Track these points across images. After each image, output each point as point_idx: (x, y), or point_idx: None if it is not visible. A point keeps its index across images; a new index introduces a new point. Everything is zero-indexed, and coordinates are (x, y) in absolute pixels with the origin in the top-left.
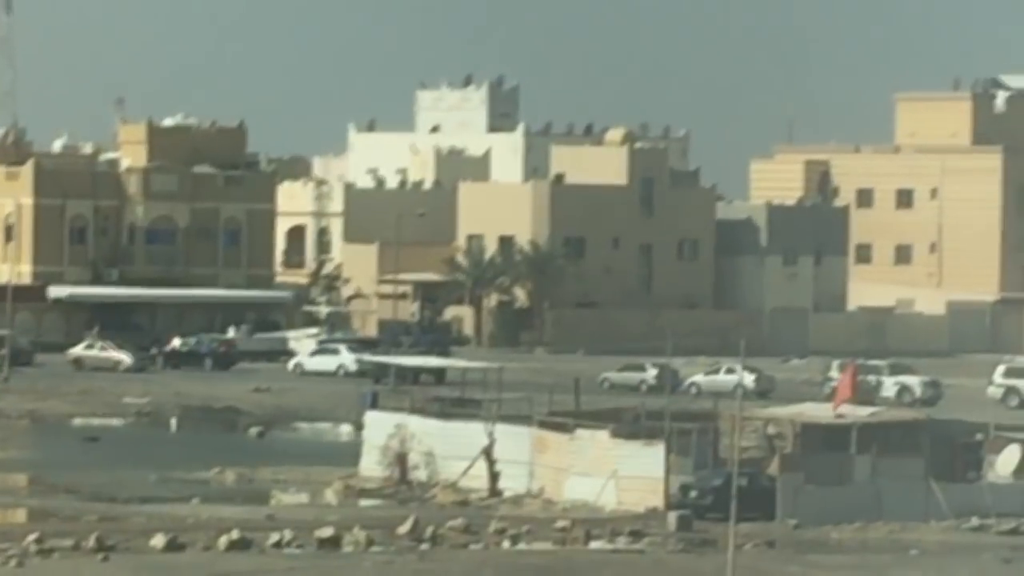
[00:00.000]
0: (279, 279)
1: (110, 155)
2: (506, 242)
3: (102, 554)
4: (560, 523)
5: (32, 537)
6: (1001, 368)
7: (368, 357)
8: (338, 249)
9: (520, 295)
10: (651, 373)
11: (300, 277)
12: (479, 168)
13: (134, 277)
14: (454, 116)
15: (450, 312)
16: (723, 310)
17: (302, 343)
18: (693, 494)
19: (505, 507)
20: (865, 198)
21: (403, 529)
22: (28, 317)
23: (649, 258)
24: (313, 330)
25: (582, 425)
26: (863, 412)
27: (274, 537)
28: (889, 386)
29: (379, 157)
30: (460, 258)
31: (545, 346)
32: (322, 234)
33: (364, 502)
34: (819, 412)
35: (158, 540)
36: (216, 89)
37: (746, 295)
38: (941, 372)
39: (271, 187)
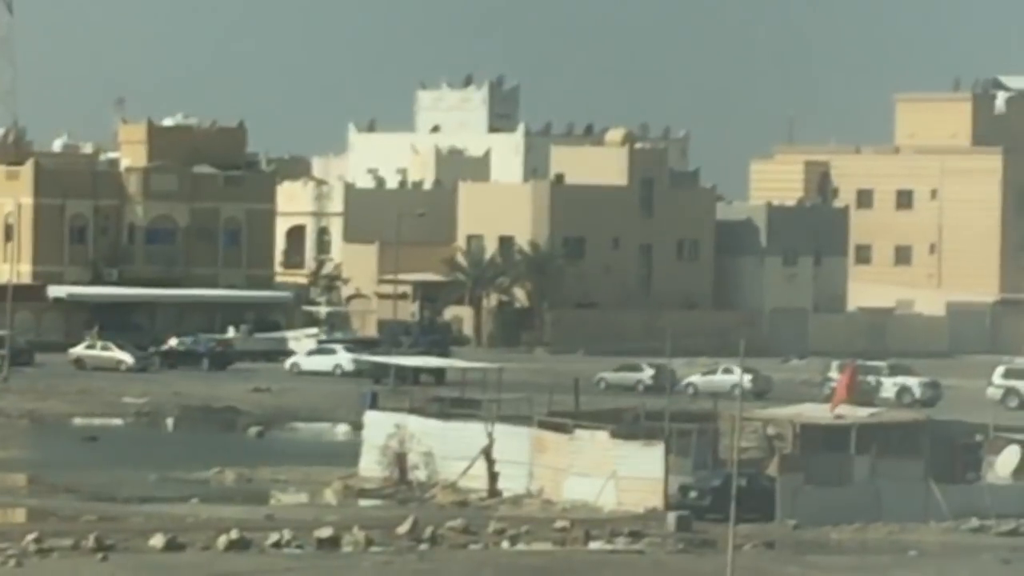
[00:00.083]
0: (279, 279)
1: (110, 155)
2: (506, 242)
3: (101, 554)
4: (559, 523)
5: (31, 537)
6: (1000, 369)
7: (365, 357)
8: (338, 249)
9: (520, 295)
10: (647, 373)
11: (300, 277)
12: (479, 168)
13: (134, 277)
14: (454, 116)
15: (450, 312)
16: (723, 310)
17: (302, 343)
18: (692, 495)
19: (504, 507)
20: (865, 199)
21: (402, 529)
22: (28, 317)
23: (649, 258)
24: (313, 330)
25: (581, 425)
26: (862, 413)
27: (273, 537)
28: (889, 387)
29: (379, 157)
30: (460, 258)
31: (545, 346)
32: (322, 234)
33: (363, 502)
34: (818, 413)
35: (157, 540)
36: (216, 89)
37: (746, 295)
38: (940, 373)
39: (271, 187)
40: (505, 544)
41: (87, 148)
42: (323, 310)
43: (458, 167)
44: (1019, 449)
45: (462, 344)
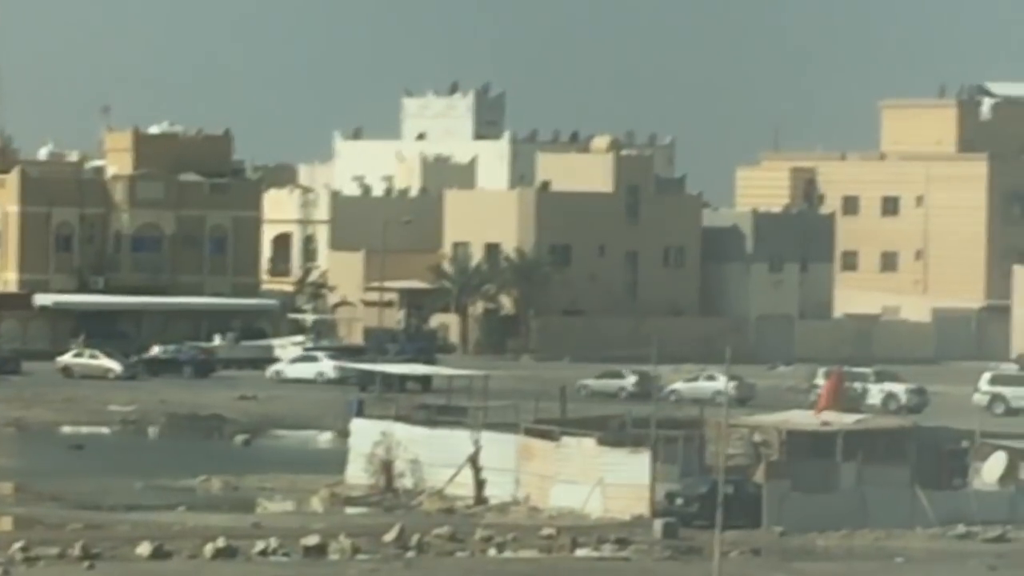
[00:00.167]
0: (265, 287)
1: (96, 163)
2: (492, 249)
3: (88, 562)
4: (546, 531)
5: (17, 545)
6: (987, 375)
7: (350, 364)
8: (324, 257)
9: (506, 303)
10: (629, 380)
11: (286, 285)
12: (465, 176)
13: (120, 285)
14: (440, 124)
15: (436, 320)
16: (709, 317)
17: (287, 351)
18: (679, 502)
19: (491, 515)
20: (851, 205)
21: (389, 537)
22: (14, 325)
23: (635, 265)
24: (299, 338)
25: (568, 433)
26: (849, 420)
27: (260, 545)
28: (875, 393)
29: (365, 165)
30: (446, 266)
31: (531, 354)
32: (308, 242)
33: (350, 510)
34: (805, 419)
35: (144, 548)
36: (202, 97)
37: (732, 302)
38: (927, 379)
39: (257, 195)
40: (492, 552)
41: (73, 156)
42: (309, 318)
43: (444, 174)
44: (1005, 455)
45: (448, 352)
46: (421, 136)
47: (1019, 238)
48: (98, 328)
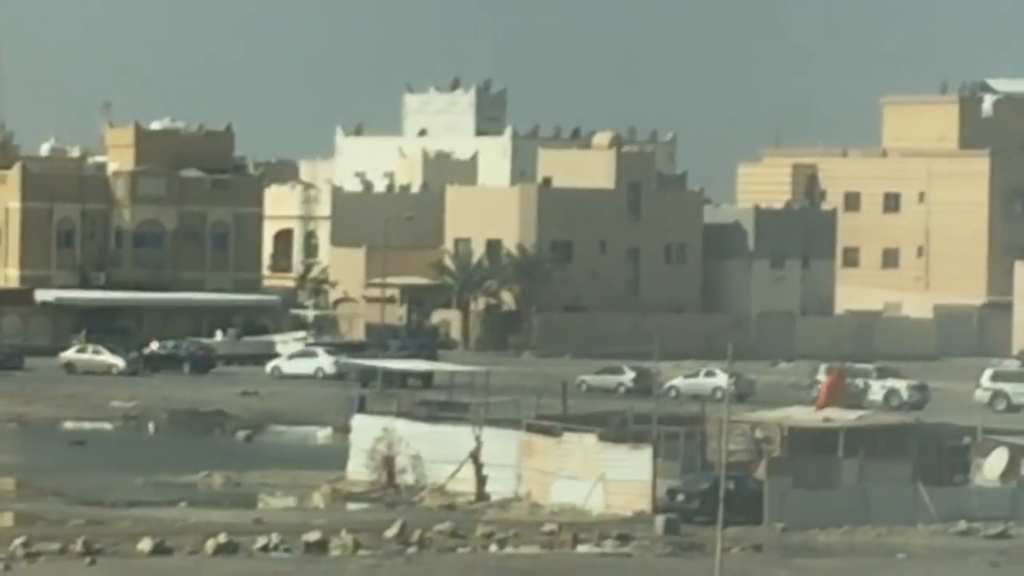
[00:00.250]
0: (267, 283)
1: (98, 159)
2: (493, 246)
3: (89, 558)
4: (547, 527)
5: (19, 541)
6: (988, 372)
7: (351, 360)
8: (326, 253)
9: (507, 299)
10: (627, 376)
11: (288, 281)
12: (466, 172)
13: (121, 281)
14: (441, 120)
15: (438, 316)
16: (711, 314)
17: (289, 347)
18: (680, 498)
19: (492, 511)
20: (852, 202)
21: (390, 533)
22: (15, 321)
23: (636, 262)
24: (300, 334)
25: (569, 429)
26: (850, 416)
27: (261, 541)
28: (876, 390)
29: (366, 161)
30: (447, 262)
31: (532, 350)
32: (309, 238)
33: (351, 506)
34: (806, 416)
35: (145, 544)
36: (204, 93)
37: (733, 299)
38: (928, 376)
39: (258, 191)
40: (493, 548)
41: (75, 152)
42: (310, 314)
43: (445, 171)
44: (1007, 452)
45: (449, 348)
46: (423, 132)
47: (1020, 235)
48: (99, 324)
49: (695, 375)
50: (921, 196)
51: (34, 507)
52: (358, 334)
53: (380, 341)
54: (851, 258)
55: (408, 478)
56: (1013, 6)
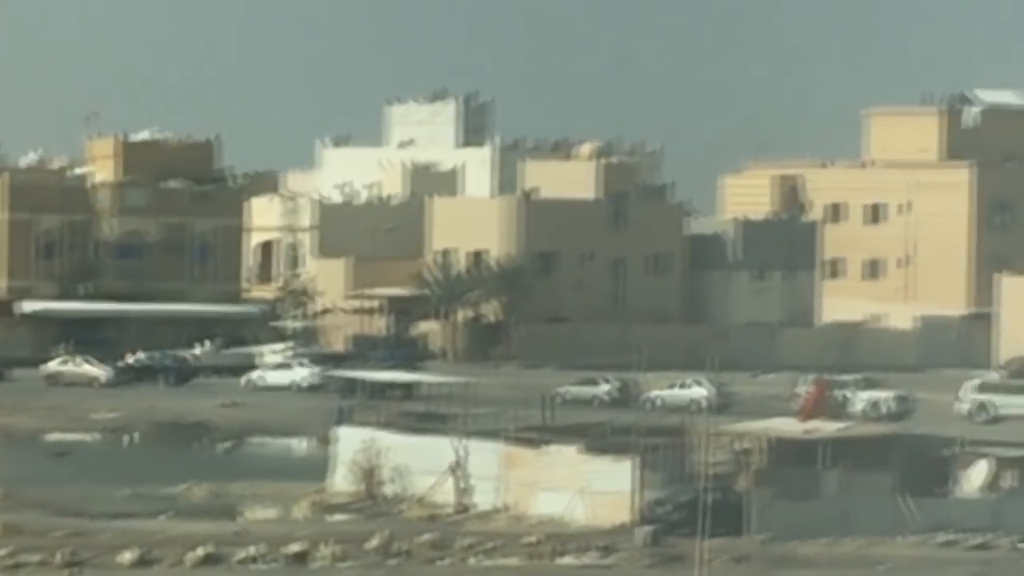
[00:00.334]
0: (251, 294)
1: (80, 170)
2: (477, 257)
3: (71, 570)
4: (529, 538)
5: (1, 552)
6: (970, 383)
7: (331, 371)
8: (308, 264)
9: (490, 310)
10: (604, 388)
11: (270, 292)
12: (450, 183)
13: (103, 292)
14: (425, 131)
15: (420, 327)
16: (693, 325)
17: (268, 358)
18: (662, 509)
19: (474, 522)
20: (835, 213)
21: (372, 544)
22: None
23: (620, 273)
24: (281, 345)
25: (551, 440)
26: (832, 427)
27: (243, 553)
28: (859, 401)
29: (349, 172)
30: (427, 273)
31: (515, 361)
32: (292, 249)
33: (333, 517)
34: (789, 427)
35: (127, 556)
36: (188, 104)
37: (716, 310)
38: (911, 387)
39: (240, 202)
40: (474, 559)
41: (60, 163)
42: (292, 325)
43: (428, 182)
44: (988, 463)
45: (431, 359)
46: (405, 144)
47: (1003, 246)
48: (81, 335)
49: (674, 387)
50: (903, 207)
51: (16, 519)
52: (340, 345)
53: (361, 352)
54: (834, 269)
55: (390, 489)
56: (995, 18)
